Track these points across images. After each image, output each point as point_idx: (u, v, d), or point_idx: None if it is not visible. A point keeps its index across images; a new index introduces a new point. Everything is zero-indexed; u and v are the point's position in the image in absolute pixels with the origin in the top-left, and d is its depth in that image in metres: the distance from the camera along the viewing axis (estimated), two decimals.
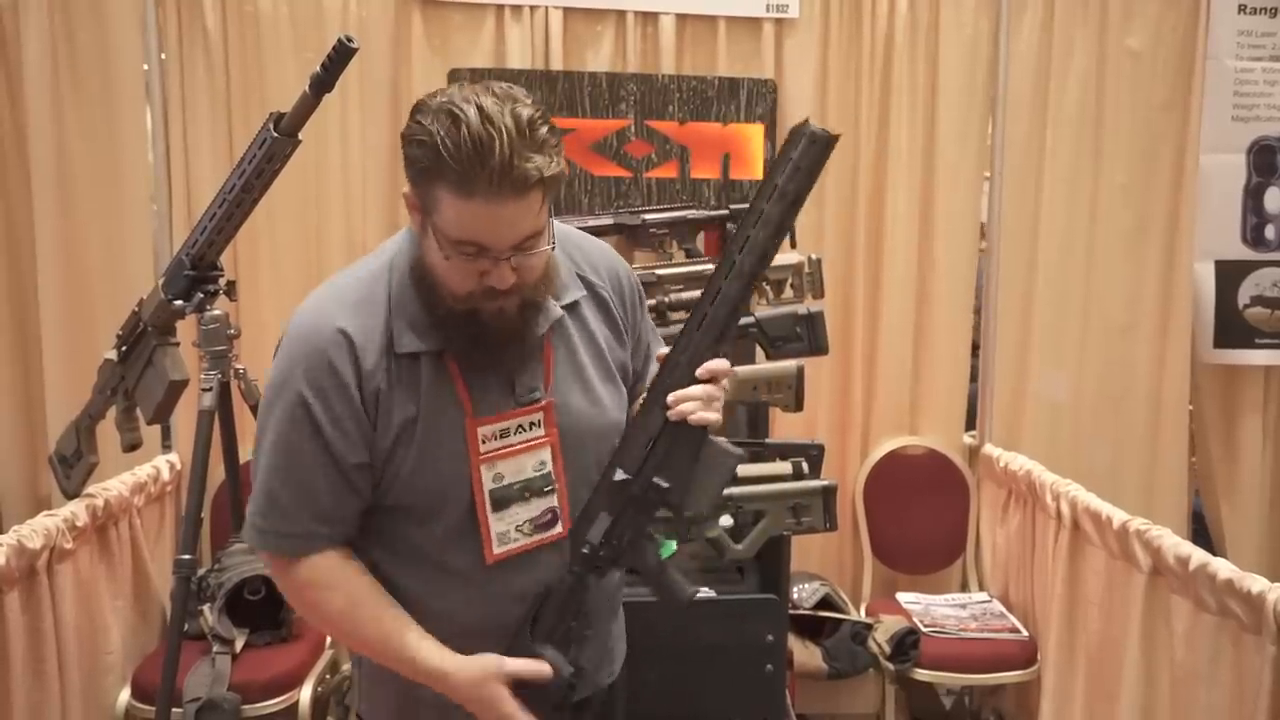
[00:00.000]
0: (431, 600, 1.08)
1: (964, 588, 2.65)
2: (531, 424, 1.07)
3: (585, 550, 1.06)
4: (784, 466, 1.82)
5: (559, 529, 1.09)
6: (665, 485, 1.04)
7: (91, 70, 2.31)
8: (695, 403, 1.01)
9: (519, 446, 1.07)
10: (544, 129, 0.94)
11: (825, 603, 2.37)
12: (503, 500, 1.06)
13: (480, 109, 0.91)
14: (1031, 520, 2.36)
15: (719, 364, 1.03)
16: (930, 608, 2.46)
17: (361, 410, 1.01)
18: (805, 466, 1.82)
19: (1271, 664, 1.53)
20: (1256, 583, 1.59)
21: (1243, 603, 1.60)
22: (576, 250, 1.15)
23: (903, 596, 2.53)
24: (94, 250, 2.35)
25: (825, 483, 1.78)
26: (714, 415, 1.03)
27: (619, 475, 1.05)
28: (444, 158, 0.91)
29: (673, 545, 1.04)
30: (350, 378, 1.00)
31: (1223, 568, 1.67)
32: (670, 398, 1.02)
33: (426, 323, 1.02)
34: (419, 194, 0.98)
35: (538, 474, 1.08)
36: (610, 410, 1.13)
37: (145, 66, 2.33)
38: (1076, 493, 2.15)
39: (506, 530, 1.07)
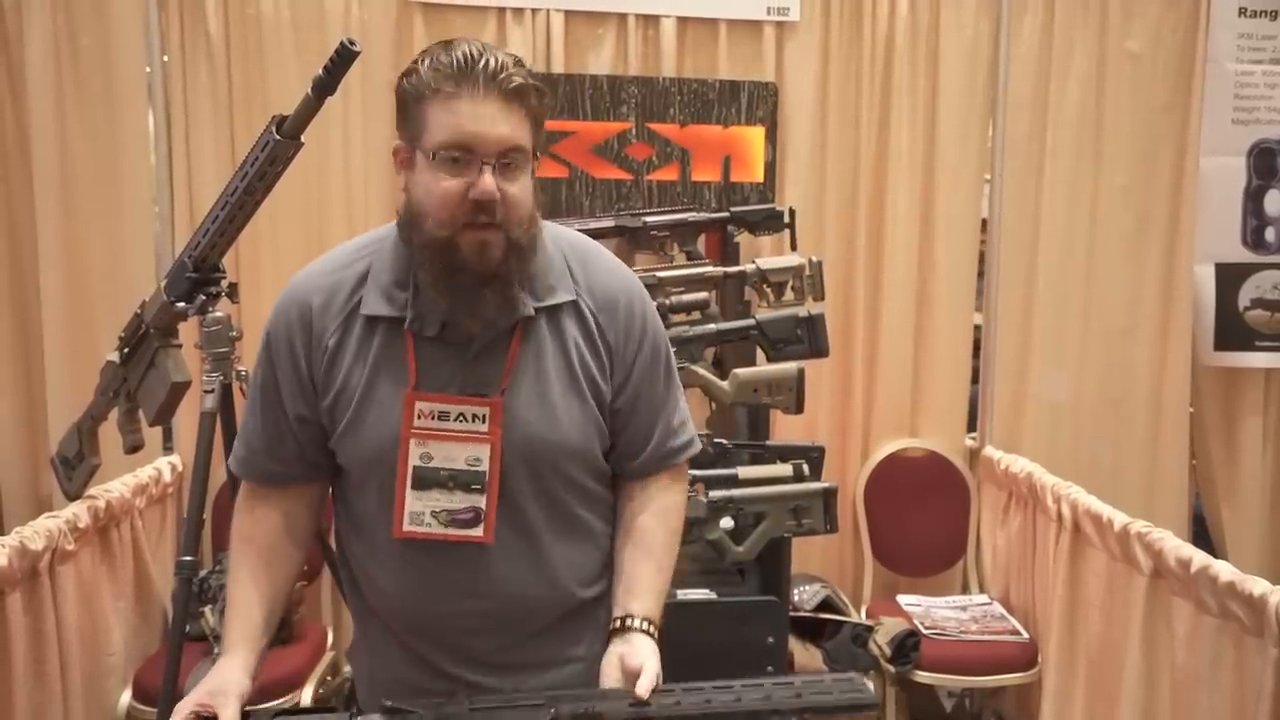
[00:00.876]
0: (375, 576, 1.10)
1: (964, 590, 2.64)
2: (475, 416, 1.05)
3: None
4: (784, 469, 1.82)
5: (479, 532, 1.05)
6: None
7: (94, 72, 2.31)
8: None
9: (456, 434, 1.05)
10: (525, 69, 1.01)
11: (826, 605, 2.36)
12: (425, 480, 1.05)
13: (470, 42, 1.00)
14: (1032, 522, 2.35)
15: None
16: (931, 610, 2.45)
17: (305, 369, 1.07)
18: (806, 469, 1.82)
19: (1274, 666, 1.52)
20: (1258, 585, 1.58)
21: (1244, 605, 1.59)
22: (581, 262, 1.12)
23: (903, 599, 2.53)
24: (96, 252, 2.35)
25: (826, 485, 1.79)
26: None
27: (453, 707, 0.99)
28: (436, 71, 0.98)
29: None
30: (300, 339, 1.07)
31: (1224, 570, 1.66)
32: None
33: (398, 291, 1.05)
34: (409, 131, 1.01)
35: (470, 468, 1.04)
36: (565, 426, 1.07)
37: (148, 69, 2.33)
38: (1077, 495, 2.14)
39: (421, 512, 1.05)
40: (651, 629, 1.08)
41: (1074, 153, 2.64)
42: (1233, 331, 2.76)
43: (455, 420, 1.05)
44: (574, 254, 1.12)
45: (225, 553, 2.16)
